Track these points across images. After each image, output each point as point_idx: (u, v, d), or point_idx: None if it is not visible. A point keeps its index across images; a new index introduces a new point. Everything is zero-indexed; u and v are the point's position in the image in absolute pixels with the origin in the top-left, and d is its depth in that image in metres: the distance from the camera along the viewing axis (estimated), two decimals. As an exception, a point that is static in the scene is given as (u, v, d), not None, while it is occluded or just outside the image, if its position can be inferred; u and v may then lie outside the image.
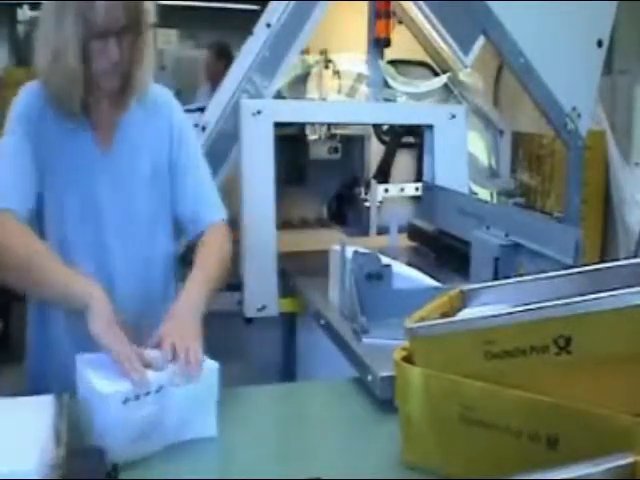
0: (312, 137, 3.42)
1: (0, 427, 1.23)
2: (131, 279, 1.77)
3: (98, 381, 1.37)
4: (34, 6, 7.98)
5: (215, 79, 5.61)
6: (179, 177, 1.83)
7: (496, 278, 2.05)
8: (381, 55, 3.14)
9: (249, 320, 2.59)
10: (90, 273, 1.61)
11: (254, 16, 2.65)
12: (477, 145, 3.55)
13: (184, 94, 6.14)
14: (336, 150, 3.39)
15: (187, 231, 1.85)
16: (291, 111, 2.71)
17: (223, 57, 5.77)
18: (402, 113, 2.96)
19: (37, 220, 1.70)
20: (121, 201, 1.76)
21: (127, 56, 1.65)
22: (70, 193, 1.72)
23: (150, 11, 1.70)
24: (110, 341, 1.43)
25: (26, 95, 1.74)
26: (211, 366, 1.48)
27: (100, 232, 1.75)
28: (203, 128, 2.59)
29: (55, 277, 1.55)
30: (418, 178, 3.13)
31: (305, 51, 3.26)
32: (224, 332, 2.20)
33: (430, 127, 2.84)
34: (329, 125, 3.42)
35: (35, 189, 1.68)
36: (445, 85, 3.23)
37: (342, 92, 3.36)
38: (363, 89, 3.29)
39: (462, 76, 3.21)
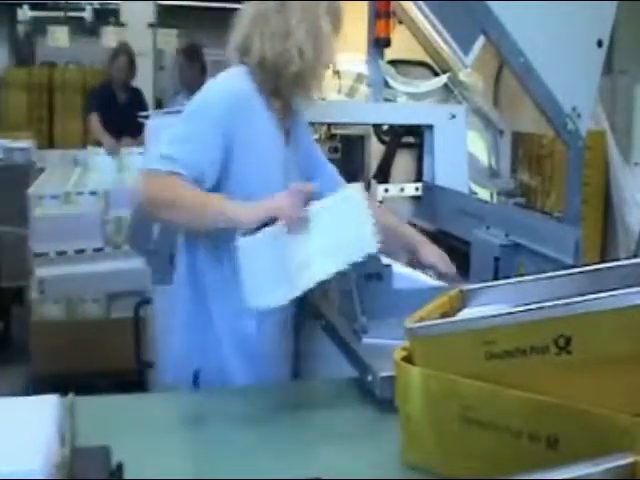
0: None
1: (5, 427, 1.22)
2: None
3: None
4: (34, 6, 7.98)
5: (190, 85, 5.50)
6: None
7: (496, 278, 2.05)
8: (381, 55, 3.14)
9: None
10: None
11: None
12: (477, 145, 3.55)
13: (184, 94, 6.11)
14: (336, 150, 3.40)
15: None
16: (291, 111, 2.71)
17: (196, 60, 5.65)
18: (402, 113, 2.97)
19: None
20: None
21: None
22: (260, 178, 1.85)
23: None
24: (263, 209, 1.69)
25: (232, 85, 1.86)
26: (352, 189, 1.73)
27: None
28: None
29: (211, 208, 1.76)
30: (418, 178, 3.13)
31: (305, 51, 3.25)
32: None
33: (430, 127, 2.84)
34: (329, 125, 3.42)
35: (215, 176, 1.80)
36: (445, 85, 3.23)
37: (342, 92, 3.37)
38: (363, 89, 3.29)
39: (462, 76, 3.22)
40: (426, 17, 2.98)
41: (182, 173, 1.73)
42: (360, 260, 1.62)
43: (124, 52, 5.64)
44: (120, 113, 5.42)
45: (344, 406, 1.69)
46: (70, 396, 1.33)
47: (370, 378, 1.69)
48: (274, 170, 1.89)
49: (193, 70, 5.51)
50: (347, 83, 3.37)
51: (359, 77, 3.33)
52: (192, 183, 1.75)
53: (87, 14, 8.10)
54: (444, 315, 1.40)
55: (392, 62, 3.25)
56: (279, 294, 1.60)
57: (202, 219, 1.77)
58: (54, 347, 3.79)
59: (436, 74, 3.31)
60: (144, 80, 6.43)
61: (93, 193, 4.07)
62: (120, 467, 1.21)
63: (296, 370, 2.08)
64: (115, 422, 1.55)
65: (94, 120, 5.53)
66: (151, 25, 7.38)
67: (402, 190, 3.10)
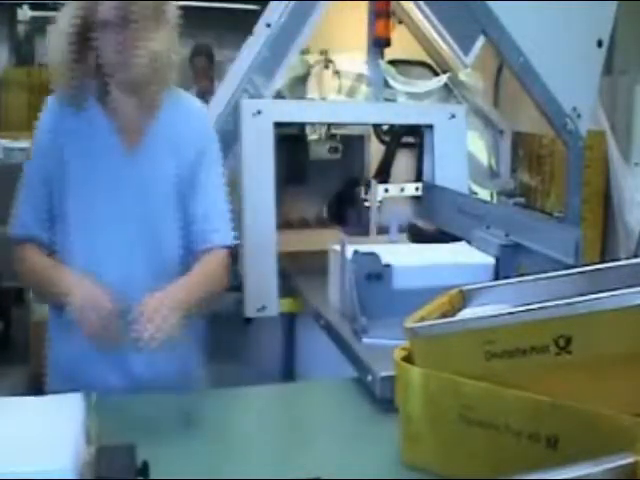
0: (312, 137, 3.41)
1: (31, 426, 1.22)
2: (150, 281, 1.71)
3: None
4: (34, 6, 7.98)
5: (205, 84, 5.54)
6: (194, 193, 1.83)
7: (496, 278, 2.05)
8: (381, 55, 3.14)
9: (249, 320, 2.58)
10: (113, 274, 1.70)
11: (254, 16, 2.65)
12: (477, 145, 3.54)
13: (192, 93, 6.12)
14: (336, 150, 3.39)
15: (191, 248, 1.84)
16: (291, 111, 2.71)
17: (211, 61, 5.72)
18: (402, 113, 2.96)
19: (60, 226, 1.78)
20: (144, 203, 1.78)
21: (131, 49, 1.64)
22: (97, 195, 1.76)
23: (151, 6, 1.68)
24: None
25: (46, 107, 1.80)
26: None
27: (124, 233, 1.77)
28: (203, 128, 2.59)
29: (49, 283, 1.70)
30: (418, 178, 3.13)
31: (305, 51, 3.26)
32: (224, 332, 2.20)
33: (430, 127, 2.84)
34: (329, 125, 3.41)
35: (46, 207, 1.77)
36: (445, 85, 3.22)
37: (342, 92, 3.36)
38: (363, 89, 3.28)
39: (462, 76, 3.21)
40: (426, 17, 2.97)
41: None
42: None
43: None
44: None
45: (344, 406, 1.69)
46: (94, 394, 1.32)
47: (370, 378, 1.69)
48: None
49: (211, 71, 5.56)
50: (347, 83, 3.36)
51: (359, 77, 3.32)
52: None
53: (87, 14, 8.10)
54: (444, 315, 1.41)
55: (392, 62, 3.24)
56: None
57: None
58: (54, 347, 3.79)
59: (436, 74, 3.31)
60: (144, 80, 6.43)
61: (93, 193, 4.06)
62: (146, 466, 1.20)
63: (295, 370, 2.09)
64: (132, 421, 1.55)
65: None
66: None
67: (402, 190, 3.10)
